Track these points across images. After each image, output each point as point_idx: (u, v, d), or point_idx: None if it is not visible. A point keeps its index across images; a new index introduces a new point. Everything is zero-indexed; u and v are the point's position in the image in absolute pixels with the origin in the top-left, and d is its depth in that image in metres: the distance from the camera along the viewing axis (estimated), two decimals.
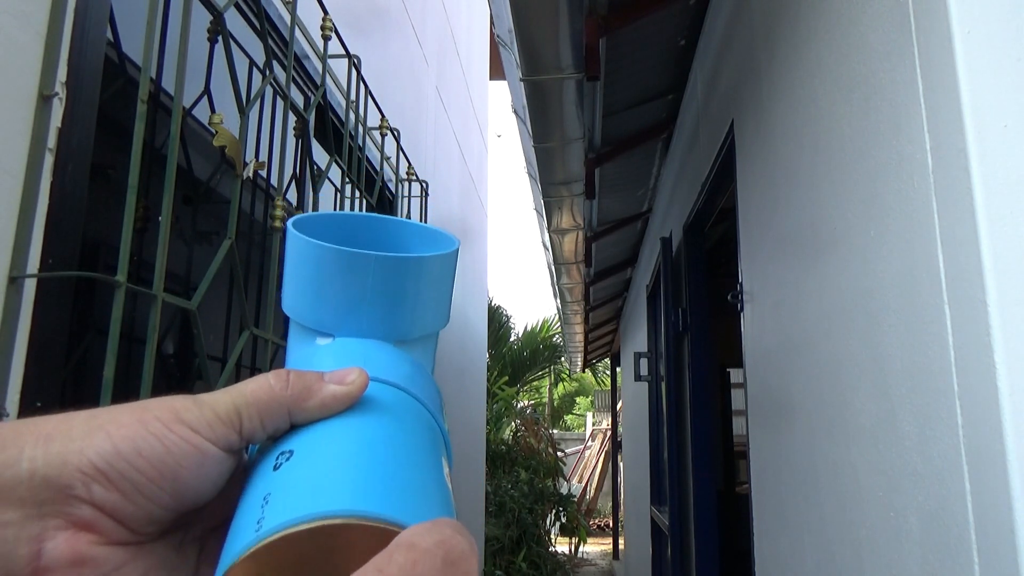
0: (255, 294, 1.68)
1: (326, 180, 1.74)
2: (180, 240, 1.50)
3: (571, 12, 2.20)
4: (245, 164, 1.33)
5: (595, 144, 3.36)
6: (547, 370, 11.77)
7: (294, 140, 1.78)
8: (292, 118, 1.66)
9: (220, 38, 1.24)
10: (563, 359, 11.62)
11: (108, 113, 1.08)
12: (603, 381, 13.63)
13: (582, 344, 8.66)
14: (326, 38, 1.77)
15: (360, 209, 2.12)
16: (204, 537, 0.30)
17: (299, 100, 1.94)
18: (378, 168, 2.38)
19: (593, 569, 8.96)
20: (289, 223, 0.36)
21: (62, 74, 0.94)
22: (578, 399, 20.12)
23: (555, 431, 12.59)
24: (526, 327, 12.15)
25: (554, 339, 11.06)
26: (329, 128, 1.86)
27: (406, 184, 2.69)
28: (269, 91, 1.59)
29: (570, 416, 19.57)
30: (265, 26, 1.42)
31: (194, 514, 0.29)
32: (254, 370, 1.65)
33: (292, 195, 1.86)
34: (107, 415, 0.27)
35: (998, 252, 0.83)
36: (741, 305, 2.15)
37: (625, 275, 6.19)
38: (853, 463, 1.25)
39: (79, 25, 0.96)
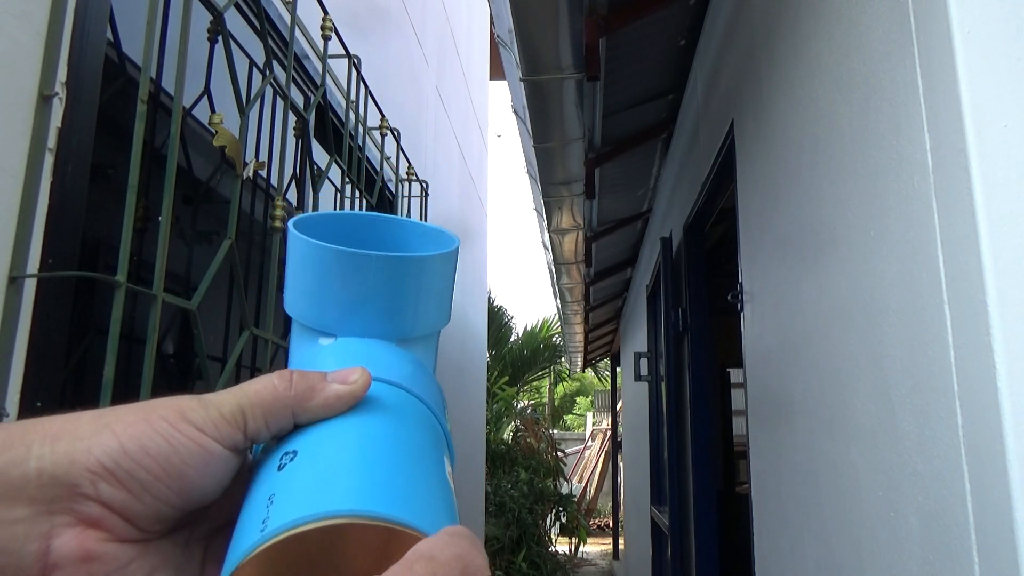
0: (255, 294, 1.68)
1: (326, 180, 1.74)
2: (180, 240, 1.50)
3: (571, 12, 2.19)
4: (245, 164, 1.33)
5: (595, 144, 3.36)
6: (547, 370, 11.76)
7: (294, 140, 1.78)
8: (292, 118, 1.66)
9: (220, 38, 1.24)
10: (563, 359, 11.62)
11: (108, 113, 1.08)
12: (604, 380, 13.63)
13: (582, 344, 8.66)
14: (326, 38, 1.77)
15: (360, 209, 2.12)
16: (210, 536, 0.31)
17: (299, 100, 1.94)
18: (378, 168, 2.38)
19: (593, 569, 8.96)
20: (290, 223, 0.36)
21: (62, 74, 0.94)
22: (578, 399, 20.12)
23: (555, 431, 12.59)
24: (526, 327, 12.15)
25: (554, 339, 11.06)
26: (329, 128, 1.86)
27: (406, 184, 2.69)
28: (269, 91, 1.59)
29: (570, 416, 19.57)
30: (265, 26, 1.42)
31: (200, 513, 0.30)
32: (254, 370, 1.65)
33: (292, 195, 1.86)
34: (113, 415, 0.27)
35: (998, 252, 0.83)
36: (741, 305, 2.15)
37: (625, 275, 6.19)
38: (853, 463, 1.25)
39: (79, 25, 0.96)
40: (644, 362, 4.65)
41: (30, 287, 0.87)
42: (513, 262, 27.68)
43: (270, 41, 1.45)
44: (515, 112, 3.08)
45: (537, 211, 4.23)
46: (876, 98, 1.13)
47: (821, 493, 1.43)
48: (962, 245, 0.88)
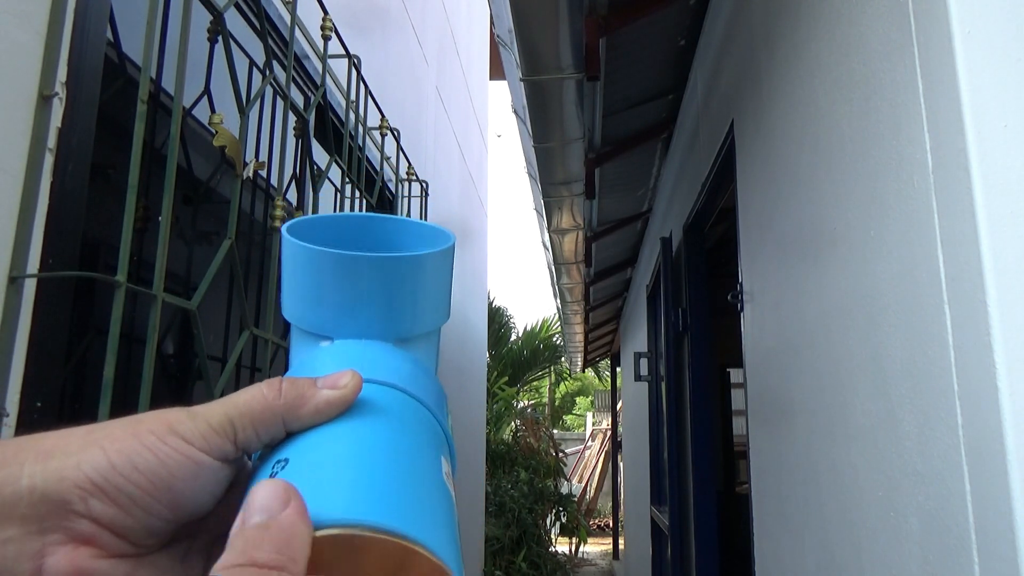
0: (255, 294, 1.68)
1: (326, 180, 1.74)
2: (180, 240, 1.50)
3: (571, 12, 2.19)
4: (245, 164, 1.33)
5: (595, 144, 3.36)
6: (547, 370, 11.76)
7: (294, 140, 1.78)
8: (292, 118, 1.66)
9: (220, 38, 1.24)
10: (563, 359, 11.62)
11: (108, 113, 1.08)
12: (605, 380, 13.63)
13: (582, 344, 8.66)
14: (326, 38, 1.77)
15: (360, 209, 2.12)
16: (210, 546, 0.30)
17: (299, 100, 1.94)
18: (378, 168, 2.38)
19: (593, 569, 8.96)
20: (283, 228, 0.36)
21: (62, 74, 0.94)
22: (578, 399, 20.12)
23: (555, 431, 12.59)
24: (526, 327, 12.14)
25: (554, 339, 11.06)
26: (329, 128, 1.86)
27: (406, 184, 2.69)
28: (269, 91, 1.59)
29: (570, 416, 19.57)
30: (265, 26, 1.42)
31: (198, 524, 0.30)
32: (254, 370, 1.65)
33: (292, 195, 1.85)
34: (103, 430, 0.27)
35: (998, 252, 0.83)
36: (741, 305, 2.15)
37: (625, 275, 6.19)
38: (853, 463, 1.25)
39: (79, 25, 0.96)
40: (644, 362, 4.65)
41: (30, 287, 0.87)
42: (513, 262, 27.67)
43: (270, 41, 1.44)
44: (515, 112, 3.08)
45: (537, 211, 4.23)
46: (876, 98, 1.13)
47: (821, 493, 1.43)
48: (962, 245, 0.88)
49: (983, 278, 0.83)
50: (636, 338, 5.80)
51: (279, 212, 1.39)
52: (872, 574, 1.17)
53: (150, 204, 1.29)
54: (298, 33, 1.71)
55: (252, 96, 1.36)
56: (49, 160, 0.91)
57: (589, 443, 13.02)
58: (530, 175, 3.66)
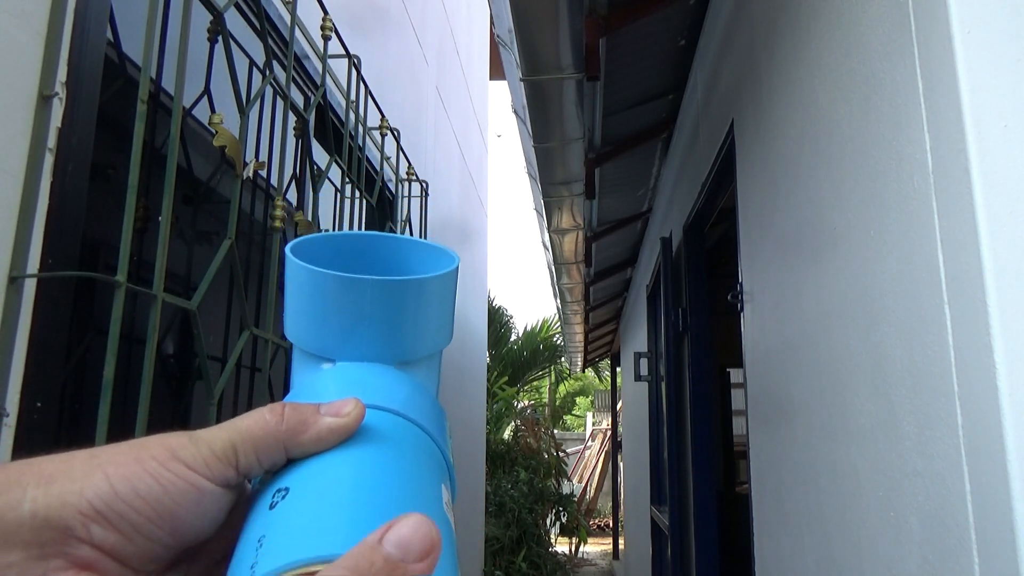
0: (255, 294, 1.68)
1: (326, 180, 1.74)
2: (180, 240, 1.50)
3: (571, 12, 2.19)
4: (245, 164, 1.33)
5: (595, 144, 3.36)
6: (547, 370, 11.76)
7: (294, 140, 1.78)
8: (292, 118, 1.66)
9: (220, 38, 1.24)
10: (563, 359, 11.62)
11: (108, 113, 1.08)
12: (605, 380, 13.63)
13: (582, 344, 8.66)
14: (326, 38, 1.77)
15: (360, 210, 2.12)
16: (210, 570, 0.30)
17: (299, 100, 1.94)
18: (378, 168, 2.38)
19: (593, 569, 8.96)
20: (287, 249, 0.35)
21: (62, 74, 0.94)
22: (578, 399, 20.12)
23: (555, 431, 12.59)
24: (526, 327, 12.15)
25: (554, 339, 11.06)
26: (329, 128, 1.86)
27: (406, 184, 2.69)
28: (269, 91, 1.59)
29: (570, 416, 19.57)
30: (265, 26, 1.42)
31: (199, 547, 0.29)
32: (254, 370, 1.65)
33: (292, 195, 1.85)
34: (106, 454, 0.27)
35: (998, 252, 0.83)
36: (741, 305, 2.15)
37: (625, 275, 6.19)
38: (853, 463, 1.25)
39: (79, 25, 0.96)
40: (644, 362, 4.65)
41: (30, 287, 0.87)
42: (513, 262, 27.66)
43: (270, 41, 1.44)
44: (515, 112, 3.08)
45: (537, 211, 4.23)
46: (876, 98, 1.13)
47: (821, 493, 1.43)
48: (962, 245, 0.88)
49: (983, 278, 0.83)
50: (636, 338, 5.80)
51: (279, 212, 1.39)
52: (872, 574, 1.17)
53: (150, 204, 1.29)
54: (298, 33, 1.72)
55: (252, 96, 1.36)
56: (49, 160, 0.91)
57: (589, 443, 13.02)
58: (530, 175, 3.66)
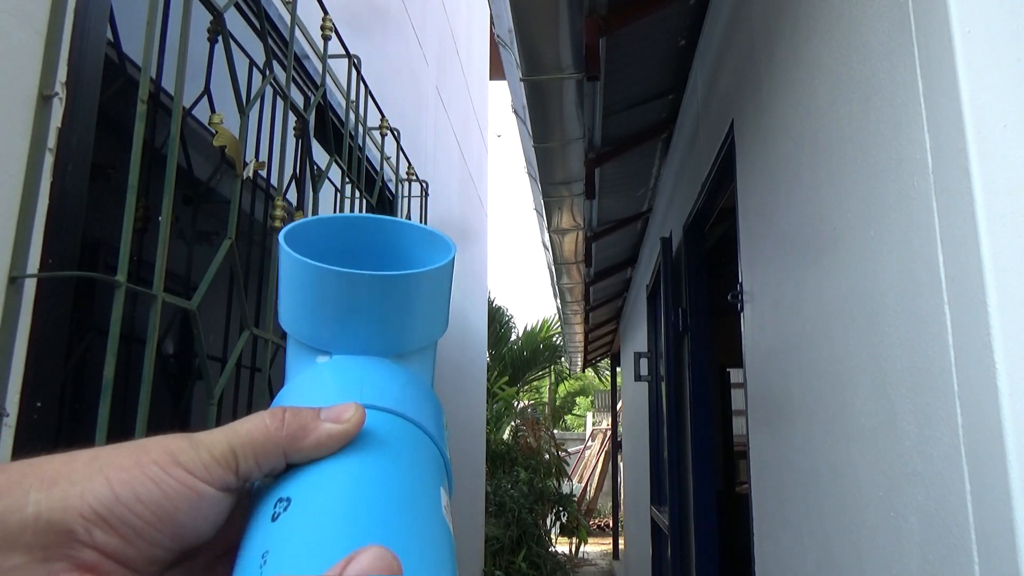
0: (255, 294, 1.68)
1: (326, 180, 1.74)
2: (180, 240, 1.50)
3: (571, 12, 2.19)
4: (245, 164, 1.33)
5: (595, 144, 3.36)
6: (547, 370, 11.76)
7: (294, 140, 1.78)
8: (292, 118, 1.66)
9: (220, 38, 1.24)
10: (563, 359, 11.62)
11: (108, 113, 1.08)
12: (605, 380, 13.63)
13: (582, 344, 8.66)
14: (326, 38, 1.77)
15: (360, 210, 2.12)
16: (212, 565, 0.31)
17: (299, 100, 1.94)
18: (378, 168, 2.38)
19: (593, 569, 8.96)
20: (280, 236, 0.35)
21: (62, 74, 0.94)
22: (578, 399, 20.12)
23: (555, 431, 12.59)
24: (526, 327, 12.14)
25: (554, 339, 11.06)
26: (329, 128, 1.86)
27: (406, 184, 2.69)
28: (269, 91, 1.59)
29: (570, 416, 19.57)
30: (265, 26, 1.42)
31: (200, 546, 0.30)
32: (254, 370, 1.65)
33: (292, 195, 1.85)
34: (107, 457, 0.27)
35: (998, 252, 0.83)
36: (741, 305, 2.15)
37: (625, 275, 6.19)
38: (853, 463, 1.25)
39: (79, 25, 0.96)
40: (644, 362, 4.65)
41: (30, 287, 0.87)
42: (513, 262, 27.68)
43: (270, 41, 1.44)
44: (515, 112, 3.08)
45: (537, 211, 4.23)
46: (876, 98, 1.13)
47: (821, 493, 1.43)
48: (962, 245, 0.88)
49: (983, 278, 0.83)
50: (636, 338, 5.80)
51: (279, 212, 1.39)
52: (872, 574, 1.17)
53: (150, 204, 1.29)
54: (298, 33, 1.72)
55: (252, 96, 1.36)
56: (49, 160, 0.91)
57: (589, 443, 13.02)
58: (530, 175, 3.66)
